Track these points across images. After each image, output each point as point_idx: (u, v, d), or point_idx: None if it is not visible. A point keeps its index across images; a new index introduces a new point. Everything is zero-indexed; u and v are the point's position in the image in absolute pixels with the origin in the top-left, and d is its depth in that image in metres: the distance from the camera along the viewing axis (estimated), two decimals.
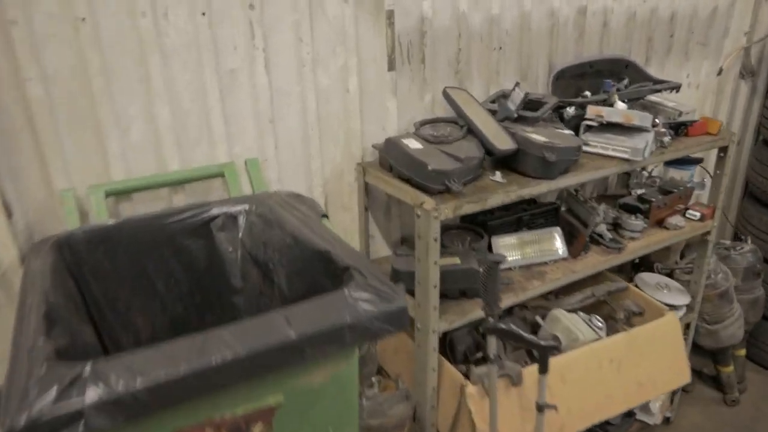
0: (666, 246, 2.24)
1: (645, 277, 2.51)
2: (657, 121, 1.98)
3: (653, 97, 2.25)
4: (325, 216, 1.47)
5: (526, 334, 1.47)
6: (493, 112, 1.89)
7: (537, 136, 1.75)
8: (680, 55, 2.55)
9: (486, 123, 1.80)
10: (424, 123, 1.89)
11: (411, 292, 1.77)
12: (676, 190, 2.25)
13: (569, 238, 2.03)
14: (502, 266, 1.38)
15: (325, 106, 1.80)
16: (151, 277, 1.52)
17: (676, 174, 2.46)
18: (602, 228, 2.11)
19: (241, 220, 1.56)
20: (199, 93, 1.59)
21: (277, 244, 1.45)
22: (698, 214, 2.28)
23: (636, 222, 2.14)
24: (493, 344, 1.53)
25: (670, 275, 2.60)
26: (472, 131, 1.79)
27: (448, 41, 1.94)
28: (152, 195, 1.60)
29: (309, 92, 1.75)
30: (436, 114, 2.02)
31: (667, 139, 1.99)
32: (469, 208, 1.61)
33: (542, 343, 1.47)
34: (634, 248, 2.10)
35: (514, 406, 1.74)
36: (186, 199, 1.65)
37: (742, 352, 2.78)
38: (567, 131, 1.89)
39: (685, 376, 2.05)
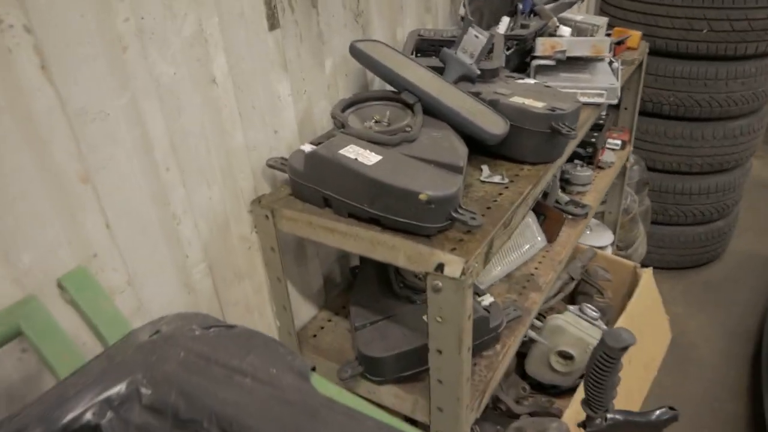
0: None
1: None
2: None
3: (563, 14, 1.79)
4: (314, 370, 0.70)
5: (644, 418, 0.95)
6: (437, 70, 1.22)
7: (525, 100, 1.15)
8: None
9: (447, 93, 1.13)
10: (345, 108, 1.14)
11: (398, 380, 1.13)
12: (602, 121, 1.89)
13: (537, 218, 1.54)
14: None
15: (179, 119, 0.93)
16: None
17: None
18: (558, 192, 1.66)
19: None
20: None
21: None
22: (619, 142, 1.97)
23: (585, 173, 1.73)
24: None
25: None
26: (431, 110, 1.11)
27: None
28: None
29: (144, 100, 0.87)
30: (339, 89, 1.27)
31: (617, 66, 1.57)
32: (498, 246, 0.98)
33: (658, 419, 0.98)
34: (591, 204, 1.71)
35: None
36: None
37: None
38: (533, 80, 1.32)
39: (668, 334, 1.81)
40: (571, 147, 1.26)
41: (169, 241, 0.96)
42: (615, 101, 1.41)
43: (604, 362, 0.86)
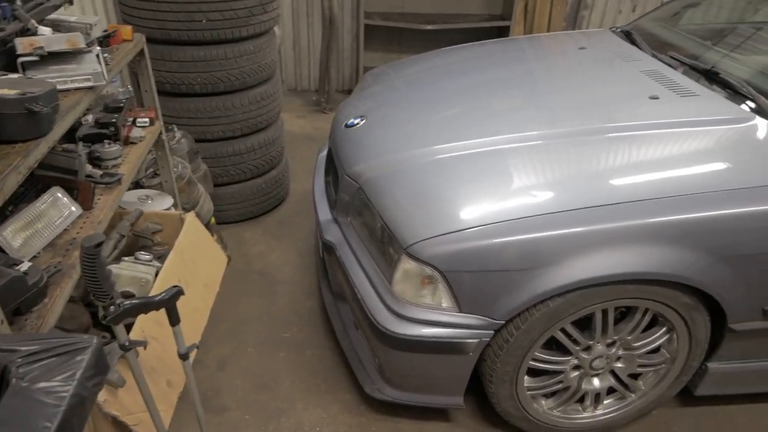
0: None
1: (124, 197, 2.46)
2: (92, 39, 1.83)
3: (52, 16, 2.01)
4: None
5: (152, 298, 1.32)
6: None
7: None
8: None
9: None
10: None
11: None
12: (122, 104, 2.20)
13: (70, 193, 1.77)
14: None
15: None
16: None
17: None
18: (88, 168, 1.91)
19: None
20: None
21: None
22: (147, 120, 2.33)
23: (113, 148, 2.03)
24: (122, 332, 1.31)
25: (138, 186, 2.64)
26: None
27: None
28: None
29: None
30: None
31: (106, 55, 1.88)
32: None
33: (165, 297, 1.36)
34: (125, 173, 2.02)
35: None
36: None
37: (213, 220, 3.20)
38: (16, 75, 1.53)
39: (223, 258, 2.28)
40: (66, 123, 1.52)
41: None
42: (103, 83, 1.73)
43: (88, 259, 1.18)
